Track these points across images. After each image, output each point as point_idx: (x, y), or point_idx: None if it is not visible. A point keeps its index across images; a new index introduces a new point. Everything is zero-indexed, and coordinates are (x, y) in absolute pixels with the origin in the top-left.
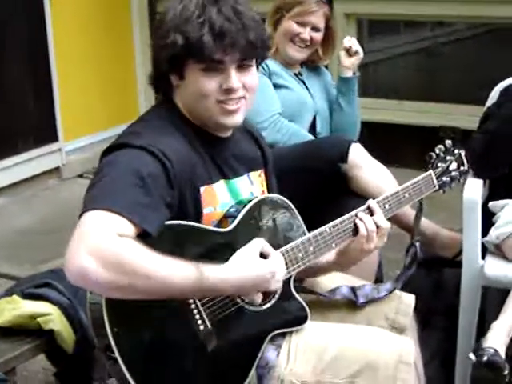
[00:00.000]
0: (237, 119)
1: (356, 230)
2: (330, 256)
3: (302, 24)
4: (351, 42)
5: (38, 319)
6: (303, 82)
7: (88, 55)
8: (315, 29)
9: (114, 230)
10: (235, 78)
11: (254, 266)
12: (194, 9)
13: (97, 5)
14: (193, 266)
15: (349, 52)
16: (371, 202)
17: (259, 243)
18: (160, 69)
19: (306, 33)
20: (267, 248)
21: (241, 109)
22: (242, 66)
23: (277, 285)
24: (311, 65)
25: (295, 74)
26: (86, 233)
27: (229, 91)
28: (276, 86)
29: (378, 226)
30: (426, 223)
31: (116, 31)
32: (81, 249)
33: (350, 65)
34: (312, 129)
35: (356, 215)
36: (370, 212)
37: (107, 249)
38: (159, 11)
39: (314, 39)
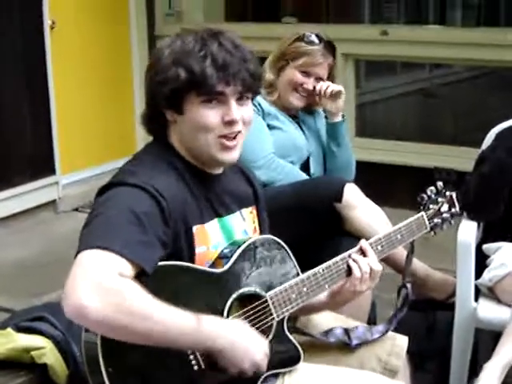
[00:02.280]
0: (234, 156)
1: (349, 271)
2: (322, 296)
3: (307, 74)
4: (329, 87)
5: (32, 353)
6: (298, 124)
7: (87, 89)
8: (319, 79)
9: (114, 269)
10: (236, 110)
11: (251, 335)
12: (194, 44)
13: (97, 41)
14: (191, 315)
15: (332, 96)
16: (363, 243)
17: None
18: (156, 106)
19: (310, 83)
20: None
21: (238, 145)
22: (240, 99)
23: (263, 366)
24: (308, 109)
25: (291, 116)
26: (86, 270)
27: (230, 123)
28: (270, 127)
29: (370, 268)
30: (418, 265)
31: (115, 66)
32: (81, 286)
33: (336, 110)
34: (306, 171)
35: (349, 256)
36: (363, 253)
37: (109, 287)
38: None
39: (317, 90)
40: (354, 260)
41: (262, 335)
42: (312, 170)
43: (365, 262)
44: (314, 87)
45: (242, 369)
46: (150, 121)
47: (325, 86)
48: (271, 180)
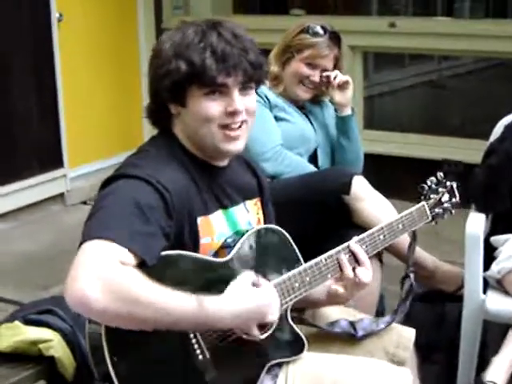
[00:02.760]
0: (239, 146)
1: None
2: (321, 296)
3: (313, 66)
4: (337, 77)
5: (40, 345)
6: (306, 115)
7: (94, 83)
8: (325, 71)
9: (115, 257)
10: (239, 101)
11: (248, 297)
12: (193, 35)
13: (105, 34)
14: (192, 297)
15: (340, 87)
16: (352, 245)
17: (249, 276)
18: (159, 99)
19: (316, 75)
20: (258, 280)
21: (242, 135)
22: (243, 89)
23: (273, 316)
24: (315, 99)
25: (298, 107)
26: (88, 260)
27: (233, 114)
28: (277, 119)
29: (358, 278)
30: (427, 257)
31: (123, 60)
32: (83, 275)
33: (345, 101)
34: (313, 163)
35: (348, 247)
36: (354, 256)
37: (110, 276)
38: None
39: (321, 86)
40: (341, 265)
41: (265, 326)
42: (320, 162)
43: (351, 272)
44: (321, 78)
45: (257, 334)
46: (154, 114)
47: (333, 75)
48: (279, 172)
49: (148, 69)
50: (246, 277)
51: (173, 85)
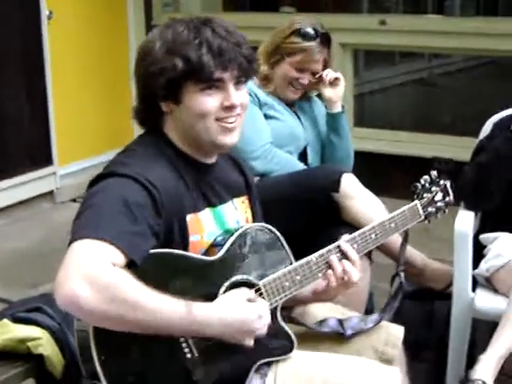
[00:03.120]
0: (234, 138)
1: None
2: (307, 292)
3: (302, 70)
4: (329, 74)
5: (28, 343)
6: (296, 113)
7: (84, 80)
8: (314, 74)
9: (106, 258)
10: (235, 95)
11: (241, 308)
12: (187, 32)
13: (95, 31)
14: (181, 302)
15: (331, 83)
16: (343, 245)
17: (245, 292)
18: (150, 98)
19: (306, 78)
20: (255, 298)
21: (237, 127)
22: (237, 84)
23: (263, 329)
24: (304, 96)
25: (288, 105)
26: (78, 260)
27: (230, 108)
28: (267, 117)
29: (347, 276)
30: (416, 255)
31: (112, 58)
32: (73, 275)
33: (335, 97)
34: (303, 160)
35: (339, 246)
36: (344, 254)
37: (101, 277)
38: None
39: (311, 83)
40: (330, 264)
41: None
42: (310, 160)
43: (341, 270)
44: (314, 77)
45: (244, 343)
46: (143, 114)
47: (325, 73)
48: (269, 170)
49: (135, 69)
50: (242, 292)
51: (168, 82)
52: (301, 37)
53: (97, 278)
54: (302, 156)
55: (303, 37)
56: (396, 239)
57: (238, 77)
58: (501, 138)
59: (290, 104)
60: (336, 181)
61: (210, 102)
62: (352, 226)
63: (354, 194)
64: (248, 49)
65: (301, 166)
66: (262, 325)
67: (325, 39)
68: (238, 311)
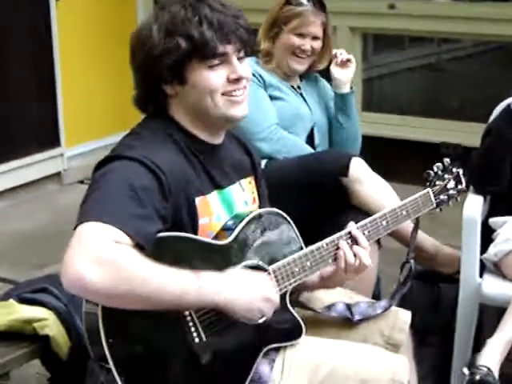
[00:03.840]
0: (244, 110)
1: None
2: (315, 278)
3: (302, 35)
4: (342, 54)
5: (34, 324)
6: (301, 94)
7: (92, 61)
8: (315, 38)
9: (110, 237)
10: (240, 67)
11: (251, 283)
12: (184, 11)
13: (103, 12)
14: (188, 272)
15: (342, 64)
16: (354, 230)
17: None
18: (154, 83)
19: (307, 44)
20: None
21: (245, 99)
22: (240, 56)
23: (270, 311)
24: (309, 72)
25: (293, 86)
26: (83, 242)
27: (236, 81)
28: (272, 98)
29: (358, 261)
30: (427, 240)
31: (121, 39)
32: (79, 257)
33: (345, 78)
34: (310, 142)
35: (350, 232)
36: (354, 240)
37: (105, 255)
38: None
39: (314, 48)
40: (341, 249)
41: None
42: (317, 141)
43: (351, 255)
44: (312, 47)
45: (250, 317)
46: (145, 100)
47: (339, 52)
48: (275, 152)
49: (132, 58)
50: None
51: (174, 63)
52: (293, 4)
53: (101, 257)
54: (309, 137)
55: (296, 4)
56: (407, 224)
57: (240, 49)
58: (504, 121)
59: (295, 87)
60: (345, 165)
61: (216, 76)
62: (361, 211)
63: (363, 178)
64: (245, 20)
65: (308, 148)
66: (269, 305)
67: (317, 2)
68: (248, 285)
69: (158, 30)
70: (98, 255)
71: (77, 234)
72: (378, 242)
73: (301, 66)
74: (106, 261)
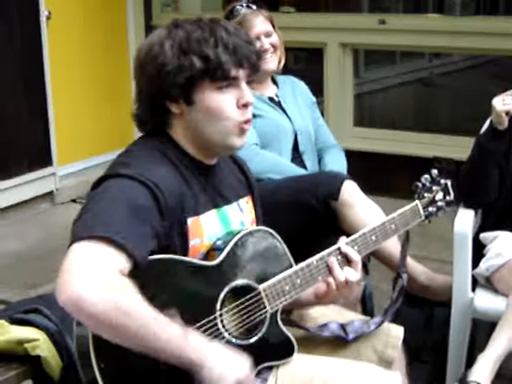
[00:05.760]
0: (244, 140)
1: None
2: (310, 296)
3: (257, 38)
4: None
5: (26, 345)
6: (279, 104)
7: (83, 80)
8: (267, 35)
9: (114, 264)
10: (248, 92)
11: (231, 362)
12: (201, 31)
13: (94, 32)
14: (179, 328)
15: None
16: (343, 247)
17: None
18: (159, 99)
19: (265, 43)
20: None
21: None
22: (248, 82)
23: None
24: (277, 71)
25: (270, 98)
26: (85, 262)
27: (245, 106)
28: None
29: (346, 280)
30: (419, 269)
31: (112, 58)
32: (80, 277)
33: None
34: (295, 149)
35: (339, 248)
36: (345, 257)
37: (109, 284)
38: None
39: (274, 43)
40: (330, 266)
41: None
42: (301, 148)
43: (341, 275)
44: (271, 43)
45: None
46: (147, 116)
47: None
48: (255, 172)
49: (139, 71)
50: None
51: (186, 81)
52: (233, 15)
53: (104, 283)
54: (294, 145)
55: (235, 14)
56: (395, 248)
57: (250, 74)
58: (488, 134)
59: (271, 98)
60: (337, 188)
61: (226, 101)
62: (348, 235)
63: (353, 202)
64: (256, 46)
65: (291, 166)
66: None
67: (251, 3)
68: (226, 361)
69: (171, 47)
70: (101, 280)
71: (75, 251)
72: (366, 270)
73: (271, 64)
74: (109, 288)
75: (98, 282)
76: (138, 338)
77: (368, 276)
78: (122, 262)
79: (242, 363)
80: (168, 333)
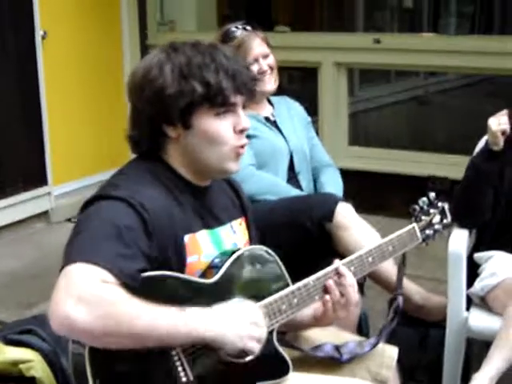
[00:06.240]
0: (239, 165)
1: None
2: (307, 318)
3: (255, 60)
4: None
5: (20, 366)
6: (275, 124)
7: (79, 99)
8: (265, 56)
9: (97, 277)
10: (245, 118)
11: (240, 311)
12: (201, 56)
13: (89, 51)
14: (176, 309)
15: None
16: (341, 268)
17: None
18: (157, 122)
19: (263, 64)
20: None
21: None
22: (243, 107)
23: (255, 349)
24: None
25: (266, 118)
26: (70, 283)
27: (242, 132)
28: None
29: (345, 297)
30: (414, 291)
31: (107, 77)
32: (66, 298)
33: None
34: (290, 169)
35: (336, 269)
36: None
37: (92, 296)
38: None
39: (271, 65)
40: (327, 288)
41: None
42: (297, 168)
43: (338, 295)
44: (269, 65)
45: (241, 349)
46: (142, 140)
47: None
48: (251, 193)
49: (136, 94)
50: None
51: (186, 106)
52: (229, 38)
53: (88, 297)
54: (289, 165)
55: (229, 37)
56: (391, 270)
57: (247, 100)
58: (483, 154)
59: (266, 118)
60: (331, 210)
61: (223, 126)
62: (342, 256)
63: (348, 224)
64: (252, 71)
65: (287, 187)
66: (258, 330)
67: (246, 24)
68: (235, 314)
69: (171, 71)
70: (84, 295)
71: (63, 275)
72: (362, 291)
73: (269, 85)
74: (92, 300)
75: (80, 297)
76: (138, 337)
77: (364, 296)
78: (105, 276)
79: (249, 311)
80: (166, 321)
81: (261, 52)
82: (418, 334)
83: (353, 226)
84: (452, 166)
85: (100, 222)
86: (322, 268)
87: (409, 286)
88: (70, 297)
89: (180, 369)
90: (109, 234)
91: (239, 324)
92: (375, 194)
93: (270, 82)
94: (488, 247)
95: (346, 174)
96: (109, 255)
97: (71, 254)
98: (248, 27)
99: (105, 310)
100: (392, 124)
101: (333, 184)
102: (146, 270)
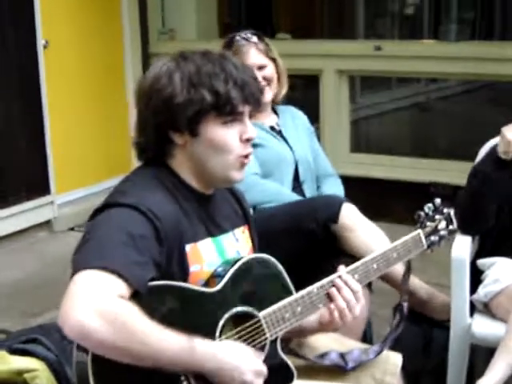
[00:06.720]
0: (243, 174)
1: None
2: (313, 323)
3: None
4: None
5: (25, 375)
6: (280, 133)
7: (81, 108)
8: (261, 67)
9: (114, 290)
10: (252, 128)
11: (240, 354)
12: (211, 65)
13: (91, 60)
14: (185, 338)
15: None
16: (344, 275)
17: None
18: (164, 129)
19: (259, 74)
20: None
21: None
22: (250, 116)
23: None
24: (276, 103)
25: (271, 127)
26: (86, 291)
27: (248, 141)
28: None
29: (351, 290)
30: (420, 285)
31: (109, 85)
32: (82, 306)
33: None
34: (295, 179)
35: (340, 277)
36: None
37: (110, 309)
38: None
39: (267, 77)
40: (332, 295)
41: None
42: (301, 178)
43: (342, 303)
44: (264, 76)
45: None
46: (148, 146)
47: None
48: (256, 202)
49: (143, 102)
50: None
51: (194, 114)
52: (230, 46)
53: (106, 309)
54: (294, 174)
55: (232, 43)
56: (398, 266)
57: (254, 110)
58: (488, 162)
59: (272, 127)
60: (336, 211)
61: (230, 135)
62: (352, 257)
63: (353, 225)
64: (260, 82)
65: (292, 195)
66: (254, 380)
67: (248, 33)
68: (237, 357)
69: (180, 79)
70: (102, 307)
71: (76, 281)
72: (370, 287)
73: (266, 96)
74: (110, 314)
75: (98, 307)
76: (145, 357)
77: (372, 293)
78: (121, 289)
79: (248, 364)
80: (173, 347)
81: (255, 63)
82: (422, 336)
83: (358, 227)
84: (453, 172)
85: (111, 230)
86: (327, 269)
87: (414, 281)
88: (86, 306)
89: (183, 377)
90: (121, 240)
91: (242, 365)
92: (377, 201)
93: (267, 93)
94: (491, 254)
95: (348, 181)
96: (122, 262)
97: (83, 261)
98: (249, 36)
99: (120, 326)
100: (393, 131)
101: (334, 192)
102: (154, 279)
